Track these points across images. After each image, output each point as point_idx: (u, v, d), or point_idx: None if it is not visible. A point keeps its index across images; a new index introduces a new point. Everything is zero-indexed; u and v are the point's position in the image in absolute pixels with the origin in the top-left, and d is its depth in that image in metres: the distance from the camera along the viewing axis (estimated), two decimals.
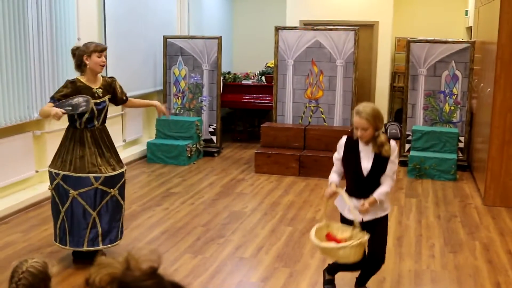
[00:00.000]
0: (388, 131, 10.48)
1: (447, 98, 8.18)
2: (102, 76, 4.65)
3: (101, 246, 4.49)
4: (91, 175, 4.41)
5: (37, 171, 6.33)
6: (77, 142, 4.45)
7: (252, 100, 9.78)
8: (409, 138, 8.24)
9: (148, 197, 6.55)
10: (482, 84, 7.33)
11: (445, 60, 8.13)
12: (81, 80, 4.47)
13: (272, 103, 8.73)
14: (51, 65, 6.33)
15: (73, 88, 4.41)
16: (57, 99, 4.37)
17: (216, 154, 8.83)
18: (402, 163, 8.21)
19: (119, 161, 4.63)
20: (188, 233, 5.42)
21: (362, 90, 10.32)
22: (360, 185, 3.79)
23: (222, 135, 9.18)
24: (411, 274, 4.57)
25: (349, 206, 3.63)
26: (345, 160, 3.85)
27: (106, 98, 4.57)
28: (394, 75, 11.26)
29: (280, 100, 8.48)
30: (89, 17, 7.08)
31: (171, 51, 8.86)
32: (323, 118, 8.32)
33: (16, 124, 5.94)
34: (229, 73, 10.18)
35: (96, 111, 4.47)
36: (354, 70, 8.13)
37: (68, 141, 4.49)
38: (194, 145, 8.39)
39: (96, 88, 4.49)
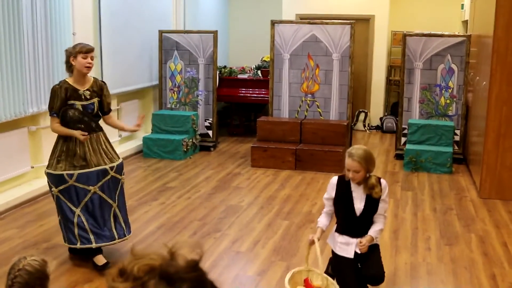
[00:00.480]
0: (384, 124, 10.50)
1: (443, 91, 8.19)
2: (94, 78, 4.60)
3: (94, 245, 4.43)
4: (64, 172, 4.40)
5: (32, 167, 6.32)
6: (63, 142, 4.48)
7: (248, 94, 9.78)
8: (405, 131, 8.24)
9: (145, 192, 6.55)
10: (478, 78, 7.33)
11: (441, 53, 8.14)
12: (68, 82, 4.45)
13: (268, 97, 8.73)
14: (46, 60, 6.32)
15: (63, 92, 4.40)
16: (58, 112, 4.41)
17: (212, 149, 8.83)
18: (398, 157, 8.23)
19: (106, 158, 4.54)
20: (184, 228, 5.42)
21: (358, 84, 10.33)
22: (352, 224, 3.86)
23: (218, 129, 9.18)
24: (407, 267, 4.58)
25: (319, 255, 3.63)
26: (337, 200, 3.89)
27: (95, 100, 4.52)
28: (390, 69, 11.27)
29: (276, 94, 8.48)
30: (84, 11, 7.05)
31: (167, 45, 8.84)
32: (319, 112, 8.32)
33: (11, 120, 5.92)
34: (225, 67, 10.17)
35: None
36: (350, 64, 8.13)
37: (56, 141, 4.54)
38: (190, 140, 8.39)
39: (83, 90, 4.46)
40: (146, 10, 8.57)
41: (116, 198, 4.58)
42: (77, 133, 4.38)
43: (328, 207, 3.94)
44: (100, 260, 4.51)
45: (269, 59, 8.76)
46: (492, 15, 6.33)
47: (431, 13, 11.10)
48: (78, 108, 4.43)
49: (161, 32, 8.82)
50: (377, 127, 10.72)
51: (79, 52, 4.37)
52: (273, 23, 8.42)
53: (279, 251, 4.87)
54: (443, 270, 4.54)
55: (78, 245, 4.44)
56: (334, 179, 3.92)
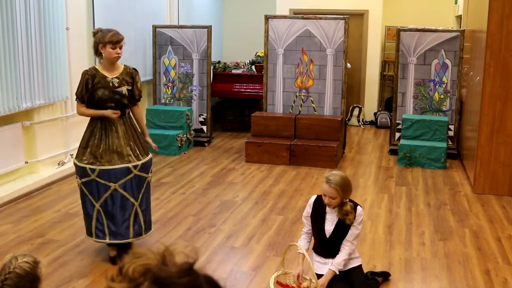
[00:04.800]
0: (378, 119, 10.51)
1: (437, 86, 8.20)
2: (125, 66, 4.52)
3: (107, 241, 4.48)
4: (87, 166, 4.36)
5: (26, 162, 6.30)
6: (90, 131, 4.42)
7: (242, 90, 9.76)
8: (399, 126, 8.26)
9: None
10: (471, 73, 7.35)
11: (435, 48, 8.14)
12: (97, 68, 4.41)
13: (262, 92, 8.71)
14: (39, 54, 6.29)
15: (88, 79, 4.36)
16: (81, 97, 4.37)
17: (206, 144, 8.82)
18: (393, 152, 8.25)
19: (132, 156, 4.43)
20: (179, 223, 5.42)
21: (352, 79, 10.34)
22: (323, 245, 3.91)
23: (212, 124, 9.17)
24: (402, 262, 4.59)
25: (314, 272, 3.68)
26: (312, 219, 3.94)
27: (124, 88, 4.44)
28: (384, 64, 11.27)
29: (270, 89, 8.47)
30: (77, 6, 7.03)
31: (161, 40, 8.82)
32: (314, 107, 8.32)
33: (5, 115, 5.90)
34: (219, 62, 10.15)
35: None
36: (344, 59, 8.13)
37: (85, 130, 4.47)
38: (185, 135, 8.38)
39: (112, 78, 4.40)
40: (140, 5, 8.54)
41: (140, 197, 4.49)
42: (108, 112, 4.30)
43: (308, 226, 3.98)
44: (112, 251, 4.57)
45: (263, 54, 8.75)
46: (485, 10, 6.34)
47: (425, 8, 11.10)
48: (107, 88, 4.36)
49: (155, 27, 8.80)
50: (371, 122, 10.74)
51: (108, 42, 4.33)
52: (267, 18, 8.40)
53: (273, 246, 4.88)
54: (437, 265, 4.55)
55: (93, 238, 4.48)
56: (313, 198, 3.98)
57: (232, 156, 8.16)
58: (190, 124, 8.59)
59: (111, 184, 4.35)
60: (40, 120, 6.44)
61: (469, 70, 7.60)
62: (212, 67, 9.10)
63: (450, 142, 8.10)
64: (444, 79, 8.16)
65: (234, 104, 10.24)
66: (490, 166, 6.43)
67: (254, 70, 9.77)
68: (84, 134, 4.46)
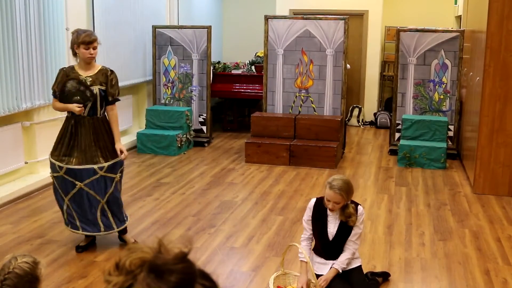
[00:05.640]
0: (378, 120, 10.51)
1: (437, 87, 8.20)
2: (103, 67, 4.63)
3: (80, 232, 4.66)
4: (56, 163, 4.53)
5: (26, 162, 6.30)
6: (63, 128, 4.60)
7: (242, 90, 9.76)
8: (399, 127, 8.26)
9: (139, 188, 6.54)
10: (471, 73, 7.35)
11: (434, 49, 8.15)
12: (74, 66, 4.58)
13: (262, 93, 8.71)
14: (39, 55, 6.28)
15: (62, 75, 4.54)
16: (54, 92, 4.57)
17: (206, 144, 8.82)
18: (392, 152, 8.24)
19: (100, 157, 4.53)
20: (178, 223, 5.42)
21: (352, 79, 10.34)
22: (326, 247, 3.92)
23: (212, 125, 9.17)
24: (401, 262, 4.59)
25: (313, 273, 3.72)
26: (313, 222, 3.94)
27: (96, 87, 4.52)
28: (384, 64, 11.28)
29: (270, 90, 8.47)
30: (77, 6, 7.02)
31: (161, 40, 8.82)
32: (313, 108, 8.32)
33: (5, 115, 5.89)
34: (218, 62, 10.14)
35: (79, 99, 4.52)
36: (344, 59, 8.13)
37: (60, 130, 4.65)
38: (184, 135, 8.38)
39: (85, 76, 4.52)
40: (140, 5, 8.54)
41: (106, 196, 4.61)
42: (72, 106, 4.46)
43: (309, 231, 3.97)
44: (83, 242, 4.78)
45: (263, 55, 8.75)
46: (485, 11, 6.34)
47: (424, 8, 11.11)
48: (75, 79, 4.49)
49: (154, 28, 8.80)
50: (371, 123, 10.74)
51: (81, 43, 4.45)
52: (267, 18, 8.40)
53: (273, 247, 4.88)
54: (437, 265, 4.55)
55: (69, 228, 4.69)
56: (312, 201, 3.98)
57: (232, 156, 8.16)
58: (190, 125, 8.59)
59: (77, 182, 4.51)
60: (40, 120, 6.43)
61: (469, 70, 7.60)
62: (212, 68, 9.10)
63: (450, 143, 8.10)
64: (444, 79, 8.17)
65: (234, 105, 10.24)
66: (490, 166, 6.43)
67: (254, 70, 9.76)
68: (59, 131, 4.63)
